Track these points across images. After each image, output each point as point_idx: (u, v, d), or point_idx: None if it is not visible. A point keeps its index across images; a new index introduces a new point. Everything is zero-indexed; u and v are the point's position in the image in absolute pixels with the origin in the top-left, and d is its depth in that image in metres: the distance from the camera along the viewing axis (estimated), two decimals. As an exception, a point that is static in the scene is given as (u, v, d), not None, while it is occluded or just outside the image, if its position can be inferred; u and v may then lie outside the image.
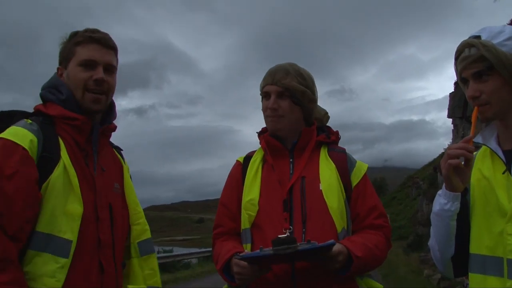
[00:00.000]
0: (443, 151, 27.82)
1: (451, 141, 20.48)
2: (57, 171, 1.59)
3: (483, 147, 1.67)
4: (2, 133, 1.60)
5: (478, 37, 1.57)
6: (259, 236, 1.88)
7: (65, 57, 1.80)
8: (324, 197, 1.86)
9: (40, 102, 1.80)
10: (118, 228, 1.80)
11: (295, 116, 1.98)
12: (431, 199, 24.11)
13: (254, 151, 2.12)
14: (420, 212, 26.46)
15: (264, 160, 2.03)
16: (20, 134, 1.58)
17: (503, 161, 1.54)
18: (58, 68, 1.83)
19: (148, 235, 1.93)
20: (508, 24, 11.73)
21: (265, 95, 1.99)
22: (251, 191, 1.94)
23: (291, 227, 1.83)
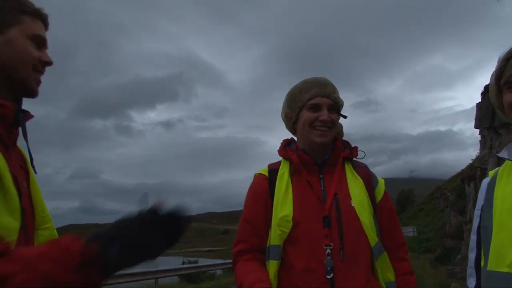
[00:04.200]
0: (471, 161, 27.30)
1: (478, 151, 20.09)
2: None
3: (507, 162, 1.65)
4: None
5: None
6: (293, 251, 1.85)
7: (1, 19, 1.44)
8: (357, 213, 1.87)
9: None
10: (30, 234, 1.47)
11: (336, 130, 2.02)
12: (459, 211, 23.66)
13: (275, 163, 2.08)
14: (448, 224, 25.94)
15: (291, 174, 1.99)
16: None
17: None
18: None
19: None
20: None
21: (313, 106, 1.96)
22: (285, 207, 1.88)
23: (331, 244, 1.82)
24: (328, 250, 1.80)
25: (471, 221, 14.60)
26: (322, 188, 1.94)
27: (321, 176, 1.97)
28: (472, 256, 1.75)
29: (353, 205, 1.89)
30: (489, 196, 1.65)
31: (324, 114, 1.93)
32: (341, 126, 2.13)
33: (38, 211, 1.56)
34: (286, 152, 2.04)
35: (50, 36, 1.59)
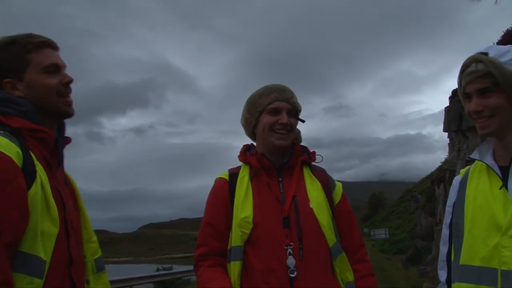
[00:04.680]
0: (440, 164, 27.88)
1: (447, 154, 20.56)
2: (35, 187, 1.45)
3: (477, 162, 1.73)
4: None
5: (486, 54, 1.59)
6: (254, 252, 1.89)
7: (15, 68, 1.62)
8: (316, 214, 1.94)
9: None
10: (80, 244, 1.71)
11: (295, 134, 2.09)
12: (429, 213, 24.10)
13: (235, 168, 2.13)
14: (419, 225, 26.43)
15: (251, 178, 2.04)
16: (5, 145, 1.42)
17: (499, 176, 1.60)
18: (6, 82, 1.62)
19: (100, 253, 1.86)
20: (502, 36, 11.87)
21: (273, 110, 2.01)
22: (245, 209, 1.93)
23: (292, 243, 1.87)
24: (289, 250, 1.85)
25: (441, 222, 14.91)
26: (281, 191, 2.00)
27: (280, 179, 2.03)
28: (444, 249, 1.83)
29: (311, 207, 1.95)
30: (461, 194, 1.74)
31: (284, 118, 1.99)
32: (299, 131, 2.18)
33: (88, 226, 1.81)
34: (246, 156, 2.10)
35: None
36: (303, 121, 2.10)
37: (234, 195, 2.00)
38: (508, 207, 1.52)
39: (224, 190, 2.05)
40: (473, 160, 1.77)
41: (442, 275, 1.83)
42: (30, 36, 1.67)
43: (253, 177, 2.04)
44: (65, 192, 1.66)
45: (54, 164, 1.65)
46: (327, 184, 2.07)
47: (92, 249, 1.81)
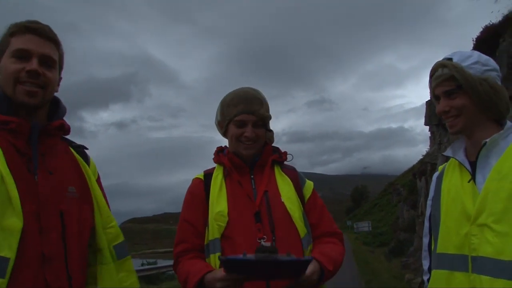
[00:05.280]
0: (422, 157, 28.25)
1: (428, 147, 20.81)
2: None
3: (452, 159, 1.90)
4: None
5: (450, 59, 1.79)
6: (229, 246, 1.95)
7: (0, 50, 1.61)
8: (287, 208, 2.03)
9: None
10: (73, 236, 1.60)
11: (264, 140, 2.18)
12: (411, 205, 24.40)
13: (210, 169, 2.22)
14: (401, 218, 26.76)
15: (225, 176, 2.13)
16: None
17: (469, 171, 1.77)
18: None
19: (122, 238, 1.82)
20: (480, 32, 12.05)
21: (239, 123, 2.09)
22: (219, 204, 2.02)
23: (265, 236, 1.95)
24: (262, 243, 1.92)
25: (423, 214, 15.13)
26: (253, 187, 2.10)
27: (252, 176, 2.14)
28: (425, 240, 2.01)
29: (282, 200, 2.06)
30: (438, 188, 1.93)
31: (248, 131, 2.08)
32: (272, 133, 2.25)
33: (103, 211, 1.76)
34: (219, 157, 2.20)
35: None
36: (270, 131, 2.20)
37: (209, 193, 2.09)
38: (476, 199, 1.69)
39: (200, 189, 2.13)
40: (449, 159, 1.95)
41: (425, 264, 2.00)
42: (25, 21, 1.62)
43: (226, 176, 2.14)
44: (46, 182, 1.57)
45: (38, 153, 1.58)
46: (297, 181, 2.19)
47: (111, 235, 1.77)
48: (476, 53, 1.81)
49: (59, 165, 1.66)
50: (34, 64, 1.57)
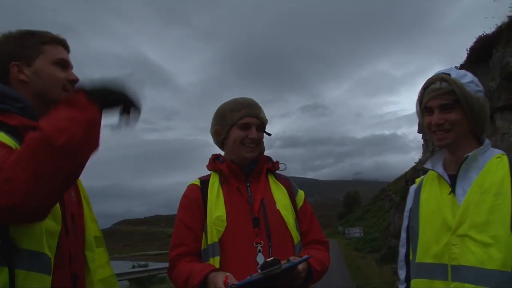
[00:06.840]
0: (414, 164, 28.38)
1: (421, 154, 20.91)
2: None
3: (430, 172, 1.98)
4: None
5: (449, 74, 1.82)
6: (228, 250, 1.98)
7: (27, 54, 1.66)
8: (282, 215, 2.10)
9: None
10: (81, 239, 1.74)
11: (262, 146, 2.26)
12: (403, 212, 24.28)
13: (205, 176, 2.25)
14: (393, 224, 26.78)
15: (221, 183, 2.17)
16: (6, 140, 1.43)
17: (448, 183, 1.85)
18: (14, 64, 1.65)
19: (99, 233, 1.94)
20: (474, 42, 12.14)
21: (243, 125, 2.16)
22: (218, 209, 2.05)
23: (262, 242, 2.00)
24: (259, 248, 1.99)
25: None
26: (250, 194, 2.16)
27: (248, 184, 2.19)
28: (402, 251, 2.07)
29: (278, 208, 2.12)
30: (416, 200, 1.99)
31: (253, 133, 2.16)
32: (262, 143, 2.33)
33: (93, 218, 1.88)
34: (215, 164, 2.24)
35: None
36: (269, 135, 2.28)
37: (206, 199, 2.12)
38: (456, 210, 1.75)
39: (197, 195, 2.16)
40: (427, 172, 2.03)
41: (402, 274, 2.06)
42: (48, 32, 1.74)
43: (223, 182, 2.18)
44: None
45: None
46: (290, 189, 2.27)
47: (93, 229, 1.86)
48: (469, 73, 1.87)
49: None
50: (75, 75, 1.73)
